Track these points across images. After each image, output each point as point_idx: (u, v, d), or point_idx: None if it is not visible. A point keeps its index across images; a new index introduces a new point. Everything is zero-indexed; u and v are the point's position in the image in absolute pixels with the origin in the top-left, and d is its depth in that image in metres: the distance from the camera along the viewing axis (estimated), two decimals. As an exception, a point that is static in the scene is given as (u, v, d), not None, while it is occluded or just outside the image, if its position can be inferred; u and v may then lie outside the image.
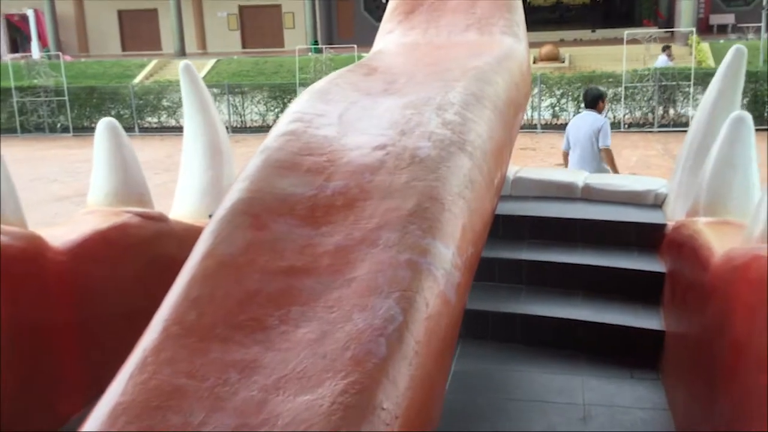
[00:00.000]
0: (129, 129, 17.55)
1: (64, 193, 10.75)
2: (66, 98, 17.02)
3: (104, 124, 3.50)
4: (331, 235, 2.20)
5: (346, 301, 1.92)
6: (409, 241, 2.05)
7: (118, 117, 17.78)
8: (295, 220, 2.26)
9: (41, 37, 34.84)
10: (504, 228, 4.11)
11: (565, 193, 4.32)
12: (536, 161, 12.67)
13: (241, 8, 35.87)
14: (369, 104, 2.95)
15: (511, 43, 4.14)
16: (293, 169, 2.48)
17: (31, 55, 22.00)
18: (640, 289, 3.65)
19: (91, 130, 17.84)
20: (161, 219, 3.55)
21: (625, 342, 3.46)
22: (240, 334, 1.86)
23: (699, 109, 3.91)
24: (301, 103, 2.95)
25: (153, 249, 3.45)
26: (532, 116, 16.21)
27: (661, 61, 17.31)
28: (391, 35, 4.46)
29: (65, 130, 17.51)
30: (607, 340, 3.51)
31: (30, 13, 34.78)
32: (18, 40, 35.95)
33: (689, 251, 3.00)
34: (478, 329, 3.66)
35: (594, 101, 6.83)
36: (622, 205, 4.18)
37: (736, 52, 3.67)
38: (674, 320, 3.24)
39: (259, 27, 35.86)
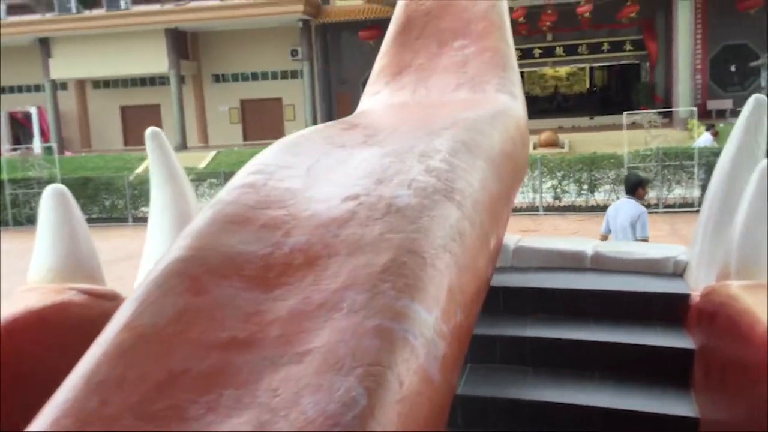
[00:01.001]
0: (123, 219, 17.27)
1: (48, 283, 10.29)
2: (60, 189, 16.81)
3: (50, 191, 3.11)
4: (284, 299, 1.76)
5: (296, 381, 1.46)
6: (379, 302, 1.61)
7: (113, 207, 17.54)
8: (242, 283, 1.83)
9: (44, 134, 35.28)
10: (505, 302, 3.65)
11: (572, 263, 3.89)
12: (539, 243, 12.28)
13: (243, 102, 36.40)
14: (343, 156, 2.57)
15: (506, 100, 3.80)
16: (246, 224, 2.06)
17: (26, 148, 22.00)
18: (665, 369, 3.15)
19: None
20: (112, 297, 3.10)
21: (653, 433, 2.94)
22: (151, 426, 1.39)
23: (718, 168, 3.52)
24: (265, 154, 2.57)
25: (99, 331, 2.98)
26: (533, 198, 15.93)
27: (705, 140, 16.71)
28: (377, 96, 4.14)
29: (59, 221, 17.22)
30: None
31: (33, 111, 35.36)
32: (21, 137, 36.33)
33: (725, 321, 2.54)
34: (477, 419, 3.15)
35: (633, 188, 6.55)
36: (637, 275, 3.73)
37: (756, 101, 3.31)
38: (710, 405, 2.74)
39: (260, 120, 36.29)
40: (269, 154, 2.55)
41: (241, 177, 2.34)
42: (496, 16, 4.32)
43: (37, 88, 36.03)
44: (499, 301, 3.60)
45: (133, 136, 37.34)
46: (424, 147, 2.45)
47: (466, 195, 2.20)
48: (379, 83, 4.24)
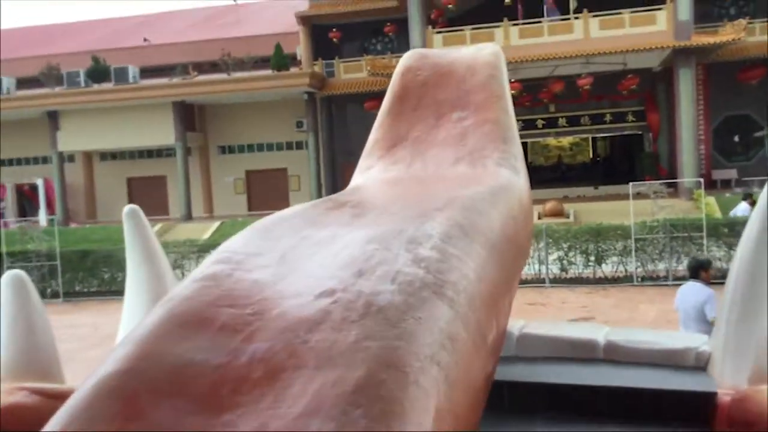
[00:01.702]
0: (122, 293, 16.90)
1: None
2: (58, 262, 16.59)
3: (8, 278, 2.82)
4: (235, 426, 1.44)
5: None
6: (348, 436, 1.29)
7: (112, 280, 17.23)
8: (188, 403, 1.52)
9: (50, 205, 35.34)
10: (510, 399, 3.30)
11: (583, 352, 3.55)
12: (547, 317, 11.86)
13: (248, 173, 36.54)
14: (324, 240, 2.28)
15: (507, 175, 3.54)
16: (202, 326, 1.76)
17: (33, 221, 21.89)
18: (691, 479, 2.78)
19: (82, 294, 17.43)
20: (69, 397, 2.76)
21: None
22: None
23: (739, 252, 3.22)
24: (235, 239, 2.29)
25: (51, 436, 2.64)
26: (539, 270, 15.58)
27: (743, 209, 16.42)
28: (369, 171, 3.88)
29: (55, 295, 16.93)
30: None
31: (39, 182, 35.51)
32: (27, 209, 36.41)
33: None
34: None
35: (696, 271, 6.87)
36: (655, 368, 3.38)
37: (779, 176, 3.04)
38: None
39: (265, 190, 36.34)
40: (240, 240, 2.26)
41: (204, 267, 2.05)
42: (496, 86, 4.11)
43: (45, 160, 36.30)
44: (503, 397, 3.25)
45: (139, 207, 37.32)
46: (413, 232, 2.17)
47: (460, 289, 1.90)
48: (373, 157, 4.00)
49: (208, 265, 2.07)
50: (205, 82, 33.34)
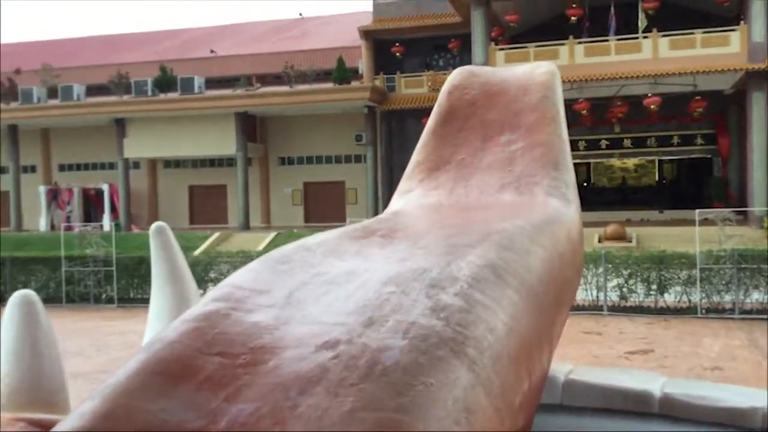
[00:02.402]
0: (175, 300, 17.04)
1: (82, 369, 9.97)
2: (114, 268, 16.82)
3: (16, 299, 2.68)
4: None
5: None
6: None
7: (166, 288, 17.36)
8: (151, 476, 1.29)
9: (114, 210, 36.20)
10: (551, 454, 2.99)
11: (637, 405, 3.21)
12: (603, 348, 11.36)
13: (306, 185, 36.73)
14: (339, 278, 2.05)
15: (557, 206, 3.26)
16: (184, 377, 1.55)
17: (97, 226, 22.35)
18: None
19: (136, 301, 17.58)
20: (71, 428, 2.59)
21: None
22: None
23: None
24: (242, 272, 2.08)
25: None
26: (597, 296, 15.01)
27: None
28: (409, 195, 3.65)
29: (110, 300, 17.16)
30: None
31: (105, 187, 36.43)
32: (92, 213, 37.37)
33: None
34: None
35: None
36: (717, 427, 3.03)
37: None
38: None
39: (322, 202, 36.46)
40: (248, 273, 2.05)
41: (201, 304, 1.85)
42: (549, 107, 3.83)
43: (111, 165, 37.23)
44: (543, 452, 2.95)
45: (199, 215, 38.00)
46: (437, 273, 1.92)
47: (485, 347, 1.64)
48: (414, 180, 3.76)
49: (206, 301, 1.86)
50: (268, 94, 33.70)
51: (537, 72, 4.10)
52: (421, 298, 1.77)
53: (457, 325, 1.66)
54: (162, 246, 3.55)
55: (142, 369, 1.56)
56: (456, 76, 4.22)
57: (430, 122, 4.13)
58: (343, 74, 33.31)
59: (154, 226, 3.60)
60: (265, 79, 36.77)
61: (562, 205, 3.30)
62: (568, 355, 10.52)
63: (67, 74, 38.11)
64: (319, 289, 1.96)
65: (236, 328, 1.73)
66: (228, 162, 36.64)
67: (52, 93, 36.17)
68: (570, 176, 3.59)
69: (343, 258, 2.25)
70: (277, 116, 36.00)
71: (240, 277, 2.02)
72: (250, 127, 35.08)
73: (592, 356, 10.52)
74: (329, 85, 33.39)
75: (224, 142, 34.13)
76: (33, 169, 39.06)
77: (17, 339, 2.65)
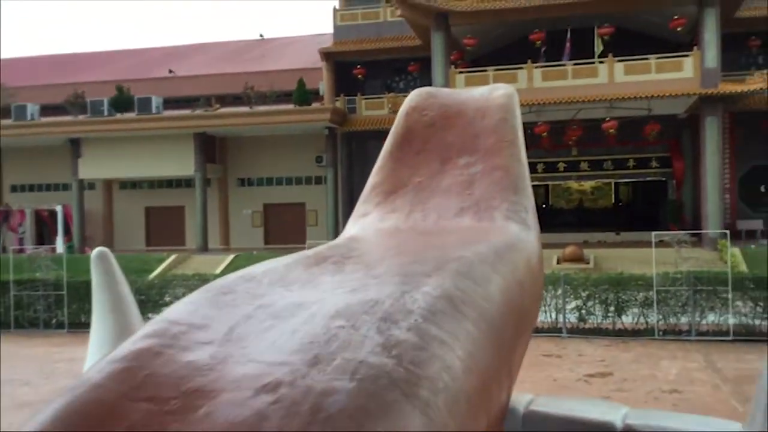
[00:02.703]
0: (128, 325, 16.59)
1: (29, 398, 9.57)
2: (64, 292, 16.32)
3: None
4: None
5: None
6: None
7: (119, 312, 16.91)
8: None
9: (68, 232, 35.35)
10: (511, 490, 2.87)
11: (598, 436, 3.12)
12: (563, 371, 11.32)
13: (266, 206, 36.40)
14: (286, 310, 1.91)
15: (517, 231, 3.17)
16: (106, 427, 1.39)
17: (50, 248, 21.74)
18: None
19: (87, 326, 16.91)
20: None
21: None
22: None
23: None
24: (179, 305, 1.93)
25: None
26: (556, 318, 15.03)
27: None
28: (365, 219, 3.53)
29: (60, 326, 16.61)
30: None
31: (59, 209, 35.59)
32: (45, 235, 36.45)
33: None
34: None
35: None
36: (681, 459, 2.95)
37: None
38: None
39: (282, 224, 36.13)
40: (186, 305, 1.90)
41: (130, 342, 1.69)
42: (507, 130, 3.76)
43: (65, 186, 36.43)
44: (503, 488, 2.82)
45: (156, 236, 37.33)
46: (390, 305, 1.79)
47: (439, 388, 1.52)
48: (370, 203, 3.65)
49: (138, 338, 1.71)
50: (227, 115, 33.42)
51: (495, 94, 4.03)
52: (371, 333, 1.65)
53: (410, 363, 1.53)
54: (104, 272, 3.37)
55: (60, 417, 1.40)
56: (414, 97, 4.12)
57: (387, 144, 4.02)
58: (304, 96, 33.22)
59: (95, 252, 3.42)
60: (224, 100, 36.50)
61: (521, 231, 3.21)
62: (529, 378, 10.45)
63: (22, 93, 37.31)
64: (263, 324, 1.82)
65: (168, 369, 1.57)
66: (186, 183, 36.15)
67: (5, 112, 35.33)
68: (529, 201, 3.51)
69: (290, 288, 2.12)
70: (236, 137, 35.69)
71: (177, 310, 1.87)
72: (209, 147, 34.69)
73: (552, 380, 10.47)
74: (290, 106, 33.26)
75: (182, 163, 33.68)
76: (-17, 189, 38.03)
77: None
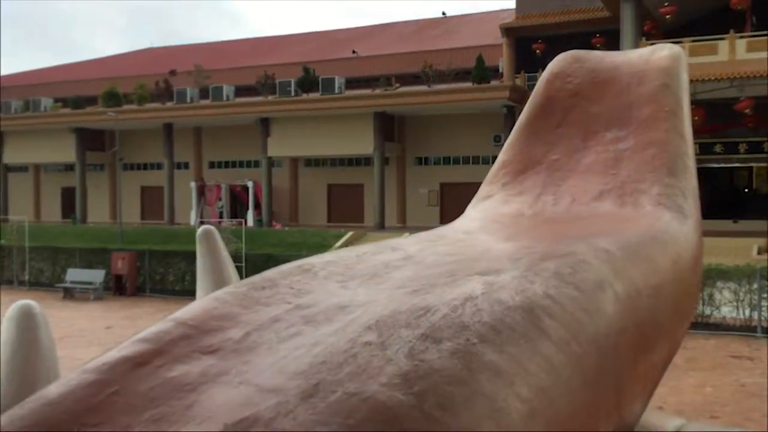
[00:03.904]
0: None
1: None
2: (243, 264, 17.14)
3: (15, 311, 2.38)
4: None
5: None
6: None
7: (293, 285, 17.52)
8: None
9: (257, 207, 37.48)
10: None
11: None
12: (753, 375, 10.05)
13: (442, 185, 36.30)
14: (323, 314, 1.56)
15: (668, 220, 2.59)
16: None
17: (239, 221, 23.02)
18: None
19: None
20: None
21: None
22: None
23: None
24: (205, 301, 1.63)
25: None
26: (750, 316, 13.47)
27: None
28: (486, 202, 3.09)
29: (240, 295, 17.47)
30: None
31: (250, 185, 37.77)
32: (238, 209, 38.91)
33: None
34: None
35: None
36: None
37: None
38: None
39: (457, 203, 35.59)
40: (209, 303, 1.60)
41: (123, 345, 1.41)
42: (668, 98, 3.13)
43: (256, 164, 38.52)
44: None
45: (337, 213, 38.59)
46: (442, 316, 1.38)
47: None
48: (495, 184, 3.19)
49: (133, 341, 1.42)
50: (406, 93, 33.58)
51: (656, 56, 3.38)
52: (399, 356, 1.24)
53: (435, 406, 1.11)
54: (208, 254, 3.19)
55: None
56: (558, 62, 3.57)
57: (522, 116, 3.52)
58: (483, 73, 32.55)
59: (200, 230, 3.26)
60: (404, 79, 36.70)
61: (674, 220, 2.62)
62: (711, 382, 9.39)
63: (217, 75, 39.88)
64: (288, 330, 1.47)
65: (143, 386, 1.27)
66: (366, 161, 36.90)
67: (204, 93, 37.96)
68: (689, 183, 2.87)
69: (348, 284, 1.74)
70: (414, 116, 35.82)
71: (195, 307, 1.57)
72: (388, 126, 35.13)
73: (738, 385, 9.31)
74: (468, 84, 32.75)
75: (362, 142, 34.38)
76: (186, 165, 41.17)
77: (14, 353, 2.36)
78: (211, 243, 3.21)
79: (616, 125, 3.18)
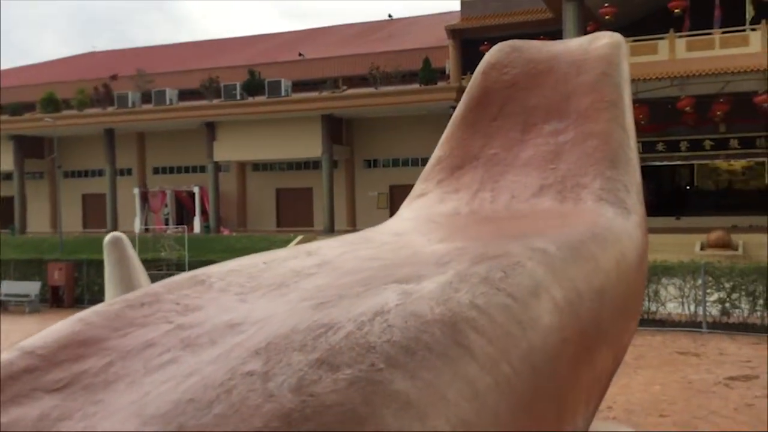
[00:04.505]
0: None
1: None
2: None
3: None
4: None
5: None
6: None
7: (239, 292, 17.13)
8: None
9: (204, 212, 36.75)
10: None
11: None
12: (699, 372, 10.10)
13: (392, 188, 36.17)
14: (210, 334, 1.32)
15: (610, 216, 2.41)
16: None
17: (179, 228, 22.46)
18: None
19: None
20: None
21: None
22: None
23: None
24: (65, 324, 1.37)
25: None
26: (695, 311, 13.61)
27: None
28: (420, 200, 2.88)
29: (182, 303, 17.01)
30: None
31: (196, 190, 37.05)
32: (184, 215, 38.11)
33: None
34: None
35: None
36: None
37: None
38: None
39: (407, 206, 35.73)
40: (69, 326, 1.34)
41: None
42: (608, 88, 2.96)
43: (202, 168, 37.76)
44: None
45: (286, 217, 38.11)
46: (346, 335, 1.16)
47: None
48: (431, 180, 2.98)
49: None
50: (353, 96, 33.37)
51: (596, 44, 3.22)
52: (284, 390, 1.00)
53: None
54: (117, 262, 2.91)
55: None
56: (494, 52, 3.39)
57: (458, 110, 3.33)
58: (430, 75, 32.55)
59: (108, 237, 2.97)
60: (351, 81, 36.47)
61: (618, 216, 2.44)
62: (659, 379, 9.38)
63: (161, 79, 39.03)
64: (160, 357, 1.22)
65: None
66: (314, 165, 36.54)
67: (147, 98, 37.10)
68: (632, 177, 2.71)
69: (247, 297, 1.50)
70: (362, 118, 35.63)
71: (53, 331, 1.31)
72: (336, 129, 34.86)
73: (686, 382, 9.33)
74: (415, 86, 32.70)
75: (310, 145, 34.02)
76: (129, 172, 40.18)
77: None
78: (119, 251, 2.92)
79: (555, 117, 3.00)
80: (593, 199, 2.53)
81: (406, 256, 1.83)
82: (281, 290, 1.53)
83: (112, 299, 1.49)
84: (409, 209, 2.83)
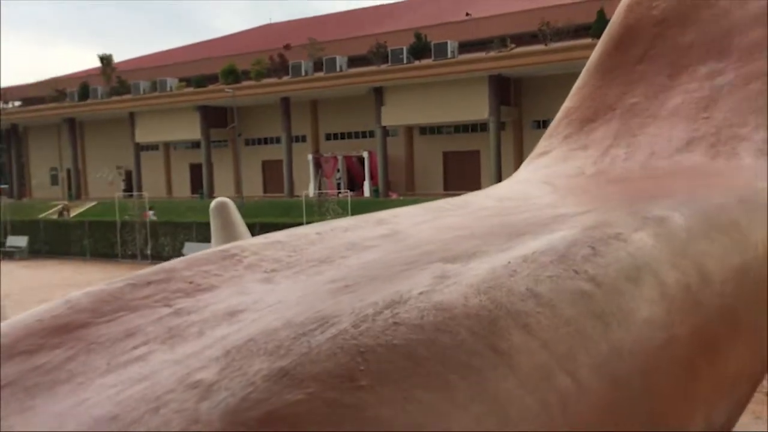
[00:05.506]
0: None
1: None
2: (350, 235, 17.03)
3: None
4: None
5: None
6: None
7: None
8: None
9: (373, 177, 37.45)
10: None
11: None
12: None
13: (562, 149, 34.77)
14: (202, 324, 1.08)
15: (773, 178, 1.92)
16: None
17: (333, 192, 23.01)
18: None
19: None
20: None
21: None
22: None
23: None
24: (50, 307, 1.20)
25: None
26: None
27: None
28: (542, 159, 2.50)
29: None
30: None
31: (365, 155, 37.77)
32: (354, 180, 39.07)
33: None
34: None
35: None
36: None
37: None
38: None
39: (579, 168, 34.29)
40: (52, 307, 1.16)
41: None
42: (781, 19, 2.40)
43: (371, 134, 38.41)
44: None
45: (453, 180, 37.92)
46: (326, 340, 0.87)
47: None
48: (556, 136, 2.59)
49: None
50: (522, 54, 32.30)
51: (767, -33, 2.64)
52: (215, 414, 0.75)
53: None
54: (221, 227, 2.80)
55: None
56: (641, -16, 2.90)
57: (595, 54, 2.89)
58: (604, 27, 30.61)
59: (214, 203, 2.87)
60: (520, 39, 35.26)
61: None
62: None
63: (331, 47, 39.93)
64: (132, 352, 1.02)
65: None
66: (482, 127, 35.92)
67: (318, 66, 38.16)
68: (808, 126, 2.17)
69: (274, 276, 1.26)
70: (532, 77, 34.42)
71: (28, 316, 1.14)
72: (504, 90, 33.98)
73: None
74: (588, 40, 30.97)
75: (477, 107, 33.46)
76: (303, 138, 41.72)
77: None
78: (224, 216, 2.81)
79: (713, 57, 2.49)
80: (752, 155, 2.04)
81: (491, 225, 1.51)
82: (319, 267, 1.28)
83: (123, 278, 1.30)
84: (527, 169, 2.47)
